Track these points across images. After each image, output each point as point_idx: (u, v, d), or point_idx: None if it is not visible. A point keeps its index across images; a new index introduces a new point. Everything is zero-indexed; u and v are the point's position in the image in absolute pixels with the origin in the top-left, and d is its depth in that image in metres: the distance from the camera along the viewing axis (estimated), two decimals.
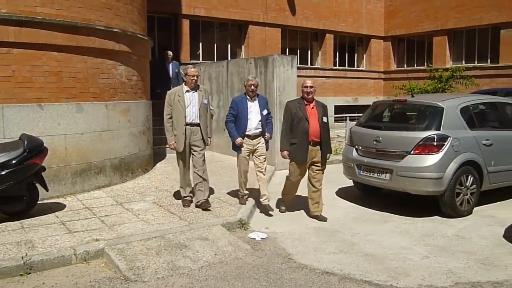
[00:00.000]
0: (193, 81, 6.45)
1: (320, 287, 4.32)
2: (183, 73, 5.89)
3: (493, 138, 6.99)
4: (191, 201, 6.81)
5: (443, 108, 6.69)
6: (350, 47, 21.37)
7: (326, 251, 5.26)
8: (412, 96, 7.95)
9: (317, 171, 6.50)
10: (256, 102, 6.76)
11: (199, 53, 16.88)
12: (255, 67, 10.54)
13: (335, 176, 8.87)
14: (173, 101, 6.47)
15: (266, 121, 6.83)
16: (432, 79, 17.18)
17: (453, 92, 15.74)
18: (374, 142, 6.96)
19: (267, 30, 17.97)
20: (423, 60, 20.70)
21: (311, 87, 6.38)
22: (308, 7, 19.05)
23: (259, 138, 6.79)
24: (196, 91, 6.57)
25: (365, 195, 7.83)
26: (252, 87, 6.67)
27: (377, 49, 21.93)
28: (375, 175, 6.90)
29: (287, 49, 18.73)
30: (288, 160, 6.61)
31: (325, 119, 6.42)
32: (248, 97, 6.75)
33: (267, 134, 6.81)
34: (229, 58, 16.78)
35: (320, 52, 20.02)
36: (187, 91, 6.54)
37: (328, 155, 6.55)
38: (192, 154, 6.66)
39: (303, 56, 19.65)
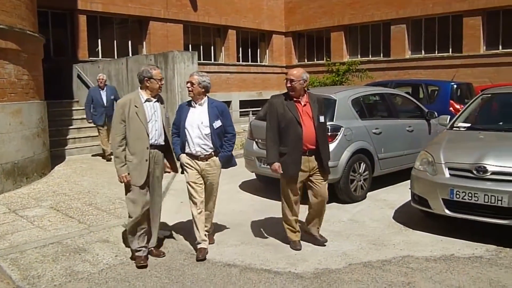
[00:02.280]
0: (159, 87, 4.78)
1: (222, 279, 4.39)
2: (143, 76, 4.65)
3: (382, 127, 7.48)
4: (147, 257, 4.86)
5: (335, 100, 7.04)
6: (252, 42, 21.74)
7: (229, 244, 5.35)
8: (308, 89, 8.25)
9: (317, 182, 5.07)
10: (204, 109, 5.01)
11: (98, 50, 16.33)
12: (156, 63, 10.39)
13: (238, 170, 8.98)
14: (128, 115, 4.64)
15: (224, 135, 5.09)
16: (331, 72, 18.02)
17: (349, 84, 16.59)
18: None
19: (169, 26, 17.78)
20: (322, 54, 21.58)
21: (291, 80, 4.90)
22: (209, 3, 19.10)
23: (211, 160, 5.03)
24: (158, 101, 4.86)
25: (267, 187, 8.03)
26: (188, 84, 4.99)
27: (279, 44, 22.51)
28: None
29: (190, 45, 18.67)
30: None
31: (322, 119, 5.02)
32: (192, 102, 5.04)
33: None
34: (130, 55, 16.38)
35: (223, 47, 20.17)
36: (147, 100, 4.76)
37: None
38: (151, 189, 4.89)
39: (206, 52, 19.69)
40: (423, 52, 19.03)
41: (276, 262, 4.78)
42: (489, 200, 5.01)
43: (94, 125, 10.76)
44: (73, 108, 13.02)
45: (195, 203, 5.01)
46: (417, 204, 5.81)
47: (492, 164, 5.15)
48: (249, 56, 21.54)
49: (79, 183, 8.27)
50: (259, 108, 8.64)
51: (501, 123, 6.53)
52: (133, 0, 16.69)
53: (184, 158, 5.03)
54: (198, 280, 4.38)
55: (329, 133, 6.71)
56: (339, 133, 6.80)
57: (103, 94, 10.52)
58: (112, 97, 10.47)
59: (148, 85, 4.73)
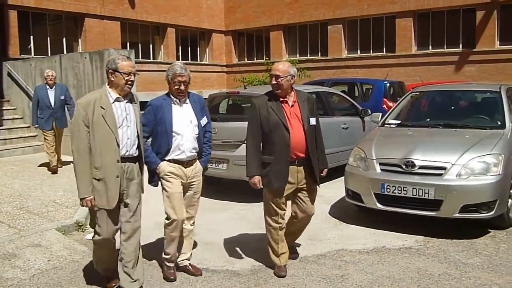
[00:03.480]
0: (129, 83, 3.79)
1: (159, 279, 4.35)
2: (107, 67, 3.81)
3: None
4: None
5: None
6: (192, 41, 21.60)
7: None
8: (245, 88, 8.35)
9: (305, 198, 4.44)
10: (188, 105, 4.35)
11: (30, 47, 15.68)
12: (91, 61, 10.12)
13: None
14: (92, 119, 3.67)
15: (204, 136, 4.47)
16: (270, 71, 18.20)
17: None
18: None
19: (106, 23, 17.35)
20: (262, 53, 21.76)
21: (277, 76, 4.20)
22: (147, 0, 18.78)
23: (195, 164, 4.41)
24: (130, 102, 3.90)
25: (206, 186, 7.98)
26: (182, 85, 4.22)
27: (219, 43, 22.49)
28: (213, 165, 7.10)
29: (128, 43, 18.32)
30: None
31: (313, 121, 4.34)
32: (173, 99, 4.30)
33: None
34: (65, 52, 15.85)
35: (162, 46, 19.93)
36: (117, 100, 3.80)
37: (324, 170, 4.58)
38: (122, 211, 3.90)
39: (145, 50, 19.39)
40: (359, 51, 19.61)
41: (214, 260, 4.80)
42: (417, 193, 5.27)
43: (41, 130, 9.31)
44: (3, 108, 12.45)
45: (175, 221, 4.23)
46: (351, 199, 6.02)
47: (419, 159, 5.41)
48: (188, 54, 21.38)
49: (9, 186, 7.91)
50: None
51: (428, 119, 6.87)
52: None
53: (165, 166, 4.23)
54: None
55: None
56: None
57: (51, 93, 9.05)
58: (62, 97, 9.13)
59: (112, 79, 3.75)
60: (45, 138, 9.14)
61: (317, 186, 4.51)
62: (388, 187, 5.45)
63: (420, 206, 5.33)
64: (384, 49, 18.93)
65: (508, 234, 5.38)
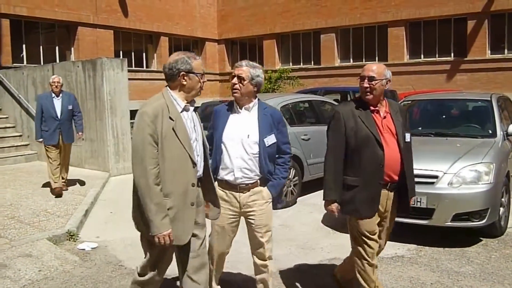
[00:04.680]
0: (201, 88, 3.14)
1: None
2: (176, 68, 2.99)
3: (311, 133, 7.69)
4: None
5: None
6: (185, 49, 21.35)
7: None
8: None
9: (383, 232, 3.72)
10: (253, 117, 3.54)
11: (22, 56, 15.65)
12: (83, 70, 10.09)
13: None
14: (161, 134, 2.91)
15: (279, 157, 3.62)
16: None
17: (281, 92, 16.89)
18: None
19: (98, 32, 17.34)
20: (255, 62, 21.68)
21: (370, 78, 3.41)
22: (140, 9, 18.82)
23: (256, 190, 3.54)
24: (194, 111, 3.19)
25: None
26: (235, 79, 3.54)
27: (212, 52, 22.55)
28: None
29: (121, 52, 18.32)
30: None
31: (408, 137, 3.58)
32: (235, 106, 3.58)
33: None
34: (58, 61, 15.80)
35: (155, 54, 19.95)
36: (185, 108, 3.06)
37: (411, 199, 3.68)
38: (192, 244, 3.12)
39: (138, 59, 19.41)
40: (351, 60, 19.70)
41: None
42: None
43: (44, 146, 7.92)
44: None
45: (211, 259, 3.60)
46: None
47: None
48: None
49: (0, 195, 7.85)
50: None
51: (420, 128, 6.90)
52: (60, 4, 16.13)
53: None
54: None
55: None
56: None
57: (57, 103, 7.84)
58: (70, 107, 7.93)
59: (184, 83, 3.00)
60: (48, 156, 7.89)
61: (408, 213, 3.76)
62: None
63: (412, 214, 5.32)
64: (377, 58, 19.02)
65: (499, 242, 5.40)
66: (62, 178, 8.05)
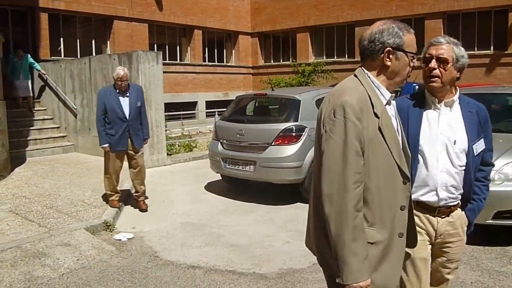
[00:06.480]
0: (409, 72, 2.20)
1: (186, 281, 4.36)
2: (382, 42, 2.06)
3: None
4: None
5: (300, 101, 7.09)
6: (219, 43, 21.67)
7: (193, 245, 5.32)
8: (272, 90, 8.32)
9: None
10: (450, 116, 2.64)
11: (60, 49, 15.96)
12: (119, 63, 10.21)
13: (204, 171, 8.98)
14: (367, 135, 2.02)
15: (480, 170, 2.76)
16: (296, 73, 18.15)
17: (315, 85, 16.75)
18: (238, 136, 7.16)
19: (134, 26, 17.53)
20: (288, 55, 21.69)
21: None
22: (175, 3, 18.94)
23: (455, 214, 2.67)
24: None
25: (233, 187, 8.02)
26: (433, 62, 2.57)
27: (245, 45, 22.51)
28: (240, 167, 7.10)
29: (155, 45, 18.46)
30: None
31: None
32: (429, 98, 2.67)
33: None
34: (94, 54, 16.06)
35: (189, 48, 20.04)
36: (388, 101, 2.17)
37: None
38: None
39: (172, 52, 19.52)
40: None
41: (241, 263, 4.78)
42: None
43: (111, 152, 6.51)
44: (35, 109, 12.69)
45: None
46: None
47: None
48: (215, 56, 21.45)
49: (39, 185, 8.06)
50: (225, 109, 8.59)
51: None
52: None
53: None
54: (162, 283, 4.33)
55: (293, 134, 6.82)
56: (303, 133, 6.85)
57: (124, 101, 6.41)
58: (139, 104, 6.51)
59: (389, 63, 2.10)
60: (107, 165, 6.58)
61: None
62: None
63: None
64: None
65: None
66: (137, 192, 6.75)
